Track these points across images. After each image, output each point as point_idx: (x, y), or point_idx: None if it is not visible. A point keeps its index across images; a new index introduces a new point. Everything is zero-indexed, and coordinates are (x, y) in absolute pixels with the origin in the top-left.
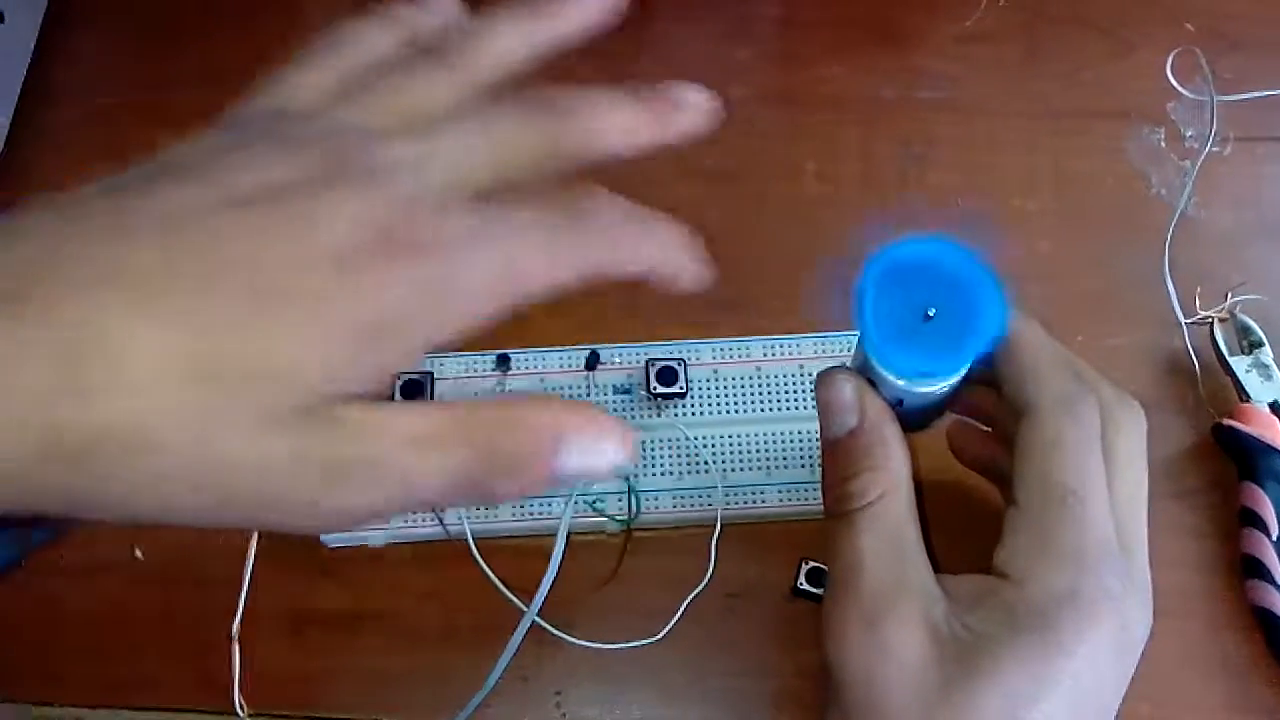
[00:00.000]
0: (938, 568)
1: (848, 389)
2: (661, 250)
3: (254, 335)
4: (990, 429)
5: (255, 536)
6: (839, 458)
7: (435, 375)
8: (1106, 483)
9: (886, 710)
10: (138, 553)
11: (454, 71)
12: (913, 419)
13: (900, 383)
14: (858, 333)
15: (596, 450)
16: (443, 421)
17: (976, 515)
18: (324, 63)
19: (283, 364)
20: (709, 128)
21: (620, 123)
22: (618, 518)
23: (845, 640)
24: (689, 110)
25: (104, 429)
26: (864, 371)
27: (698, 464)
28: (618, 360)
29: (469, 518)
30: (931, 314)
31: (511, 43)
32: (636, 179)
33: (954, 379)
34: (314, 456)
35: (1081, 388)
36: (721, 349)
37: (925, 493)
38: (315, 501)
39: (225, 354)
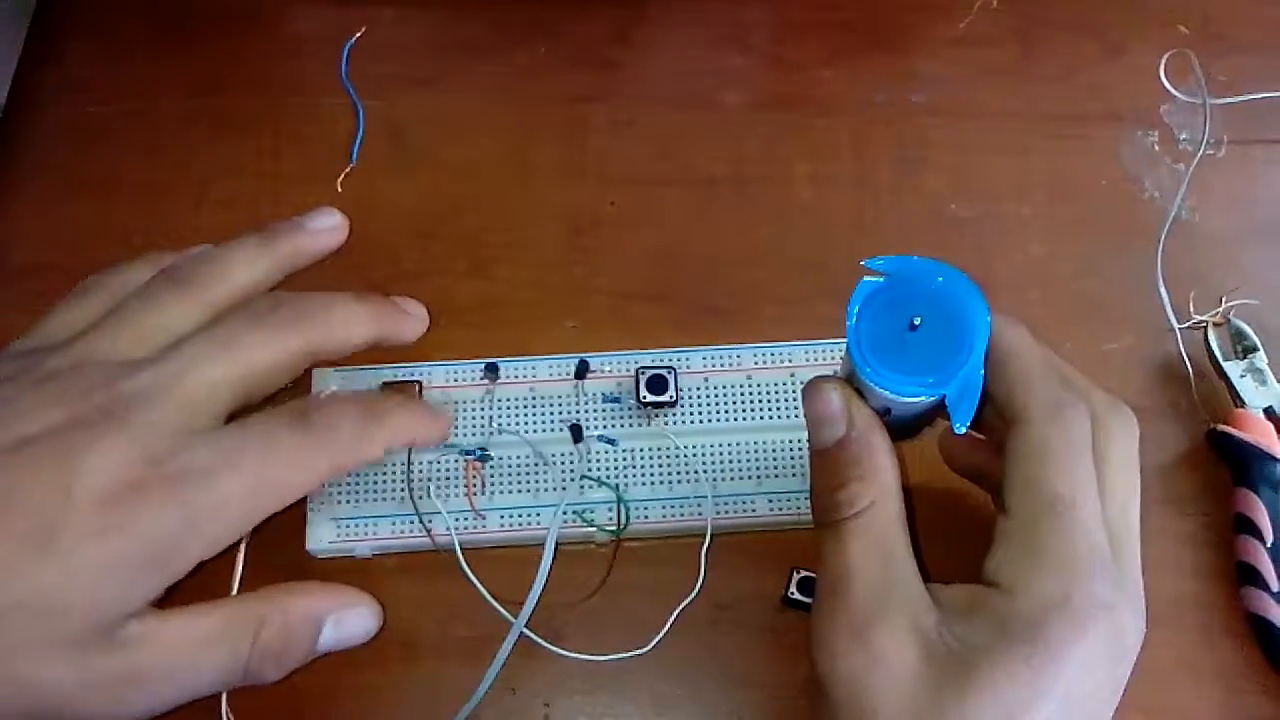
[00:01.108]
0: (928, 577)
1: (835, 398)
2: (403, 433)
3: (28, 577)
4: (982, 436)
5: (243, 547)
6: (827, 467)
7: (424, 385)
8: (1098, 489)
9: None
10: None
11: (194, 295)
12: (901, 428)
13: (887, 393)
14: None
15: (350, 625)
16: (214, 624)
17: (968, 524)
18: (80, 302)
19: (59, 600)
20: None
21: (354, 328)
22: (607, 528)
23: (834, 651)
24: (416, 319)
25: None
26: (852, 380)
27: (688, 473)
28: (607, 369)
29: (456, 528)
30: (918, 323)
31: (250, 269)
32: (628, 186)
33: (941, 390)
34: (103, 673)
35: (1071, 394)
36: (712, 357)
37: (916, 501)
38: (110, 712)
39: (6, 594)
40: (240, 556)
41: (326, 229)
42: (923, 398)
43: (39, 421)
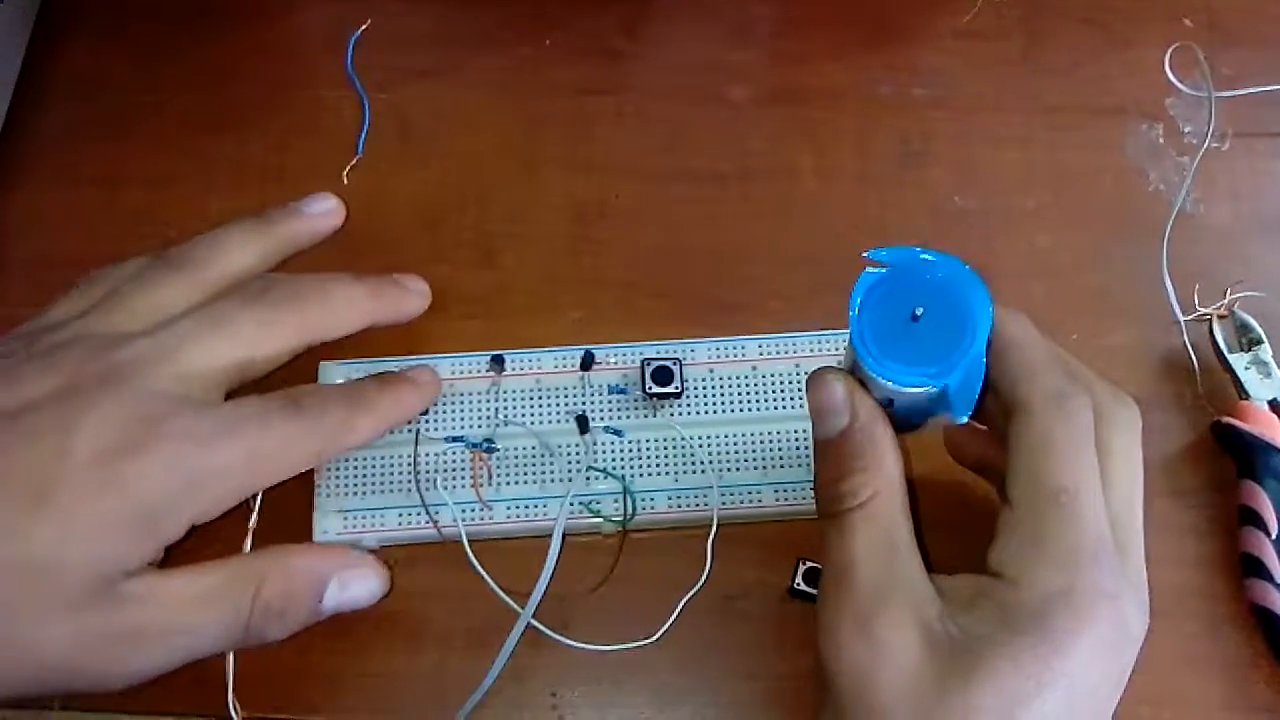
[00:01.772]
0: (933, 567)
1: (839, 389)
2: (388, 416)
3: (24, 535)
4: (984, 428)
5: (249, 537)
6: (830, 458)
7: None
8: (1101, 480)
9: (880, 712)
10: None
11: (187, 276)
12: (905, 420)
13: (889, 383)
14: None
15: (355, 587)
16: (215, 581)
17: (973, 514)
18: (82, 291)
19: (55, 557)
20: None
21: (351, 308)
22: (613, 518)
23: (838, 642)
24: (416, 295)
25: None
26: (855, 372)
27: (694, 464)
28: (613, 360)
29: (464, 519)
30: (919, 314)
31: (245, 251)
32: (633, 178)
33: (944, 381)
34: (101, 631)
35: (1074, 385)
36: (717, 348)
37: (920, 492)
38: (107, 671)
39: (6, 555)
40: (246, 547)
41: (322, 213)
42: (924, 388)
43: (39, 388)
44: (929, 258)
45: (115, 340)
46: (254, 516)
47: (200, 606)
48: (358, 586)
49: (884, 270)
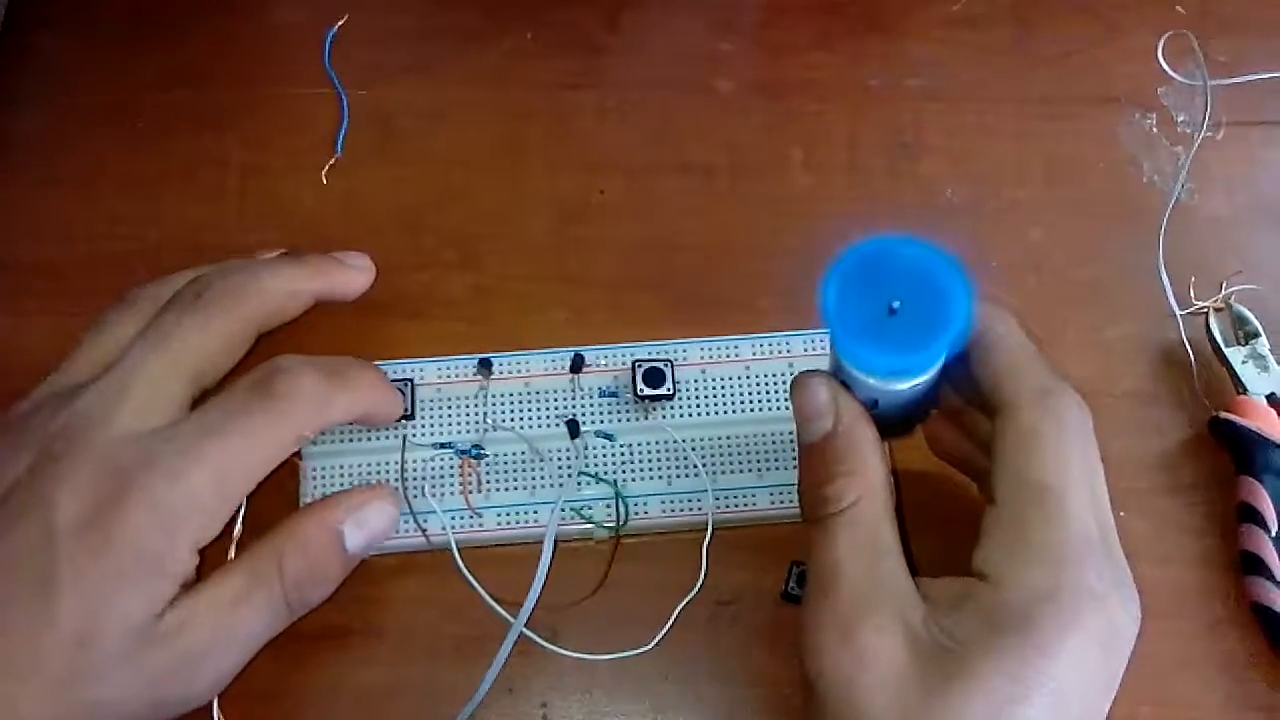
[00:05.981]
0: (919, 571)
1: (822, 392)
2: (365, 395)
3: (52, 618)
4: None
5: (234, 546)
6: (814, 462)
7: (415, 382)
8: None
9: (865, 718)
10: None
11: (135, 306)
12: (890, 423)
13: (872, 381)
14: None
15: (371, 521)
16: (239, 580)
17: (960, 517)
18: (114, 317)
19: (86, 627)
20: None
21: (291, 291)
22: (605, 524)
23: (822, 649)
24: (358, 270)
25: None
26: (838, 374)
27: (687, 467)
28: (603, 362)
29: (453, 527)
30: (896, 306)
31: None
32: (618, 174)
33: (926, 376)
34: (162, 666)
35: (1060, 383)
36: (709, 348)
37: (906, 495)
38: (185, 695)
39: (37, 640)
40: (231, 555)
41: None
42: (907, 383)
43: (16, 466)
44: (907, 245)
45: (73, 394)
46: (238, 527)
47: (236, 609)
48: (375, 519)
49: (858, 261)
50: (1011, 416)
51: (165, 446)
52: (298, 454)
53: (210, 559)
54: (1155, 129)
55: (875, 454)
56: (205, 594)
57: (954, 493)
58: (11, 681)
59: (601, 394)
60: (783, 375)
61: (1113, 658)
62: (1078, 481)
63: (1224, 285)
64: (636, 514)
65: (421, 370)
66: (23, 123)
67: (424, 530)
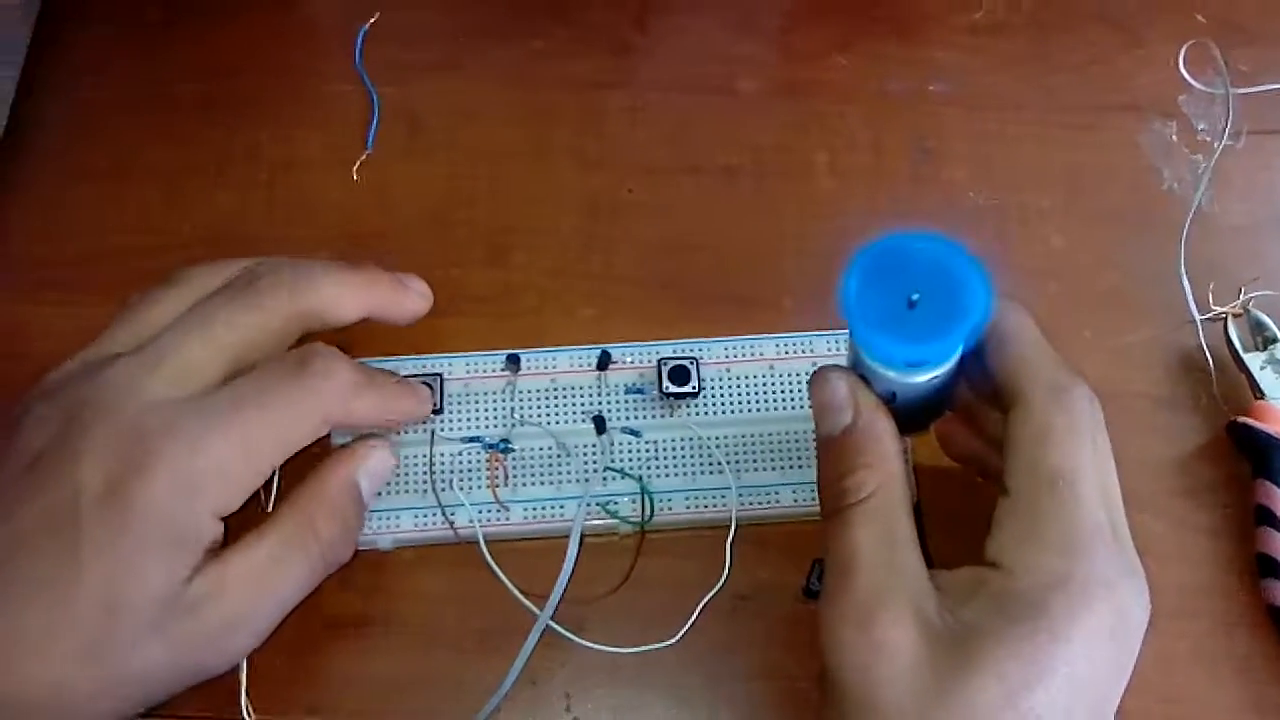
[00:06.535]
0: (935, 562)
1: (841, 386)
2: (392, 399)
3: (80, 582)
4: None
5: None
6: (833, 455)
7: (445, 376)
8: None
9: (882, 709)
10: None
11: (180, 287)
12: (907, 418)
13: (891, 374)
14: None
15: (375, 469)
16: (274, 543)
17: (977, 508)
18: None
19: (118, 594)
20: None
21: (344, 299)
22: (631, 519)
23: (839, 640)
24: (416, 295)
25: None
26: (856, 368)
27: (711, 464)
28: (629, 360)
29: (480, 520)
30: (915, 299)
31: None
32: (645, 173)
33: (943, 369)
34: (195, 632)
35: (1072, 377)
36: (734, 347)
37: (923, 486)
38: (219, 661)
39: (70, 606)
40: None
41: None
42: (925, 375)
43: (45, 432)
44: (926, 240)
45: (104, 364)
46: (271, 502)
47: (272, 573)
48: (376, 467)
49: (878, 255)
50: (1025, 409)
51: (190, 414)
52: (328, 436)
53: (237, 529)
54: (1176, 137)
55: (893, 446)
56: (237, 560)
57: (972, 487)
58: (44, 646)
59: (627, 391)
60: (805, 375)
61: (1124, 645)
62: (1089, 472)
63: (1242, 291)
64: (661, 509)
65: (450, 365)
66: (54, 113)
67: (451, 523)
